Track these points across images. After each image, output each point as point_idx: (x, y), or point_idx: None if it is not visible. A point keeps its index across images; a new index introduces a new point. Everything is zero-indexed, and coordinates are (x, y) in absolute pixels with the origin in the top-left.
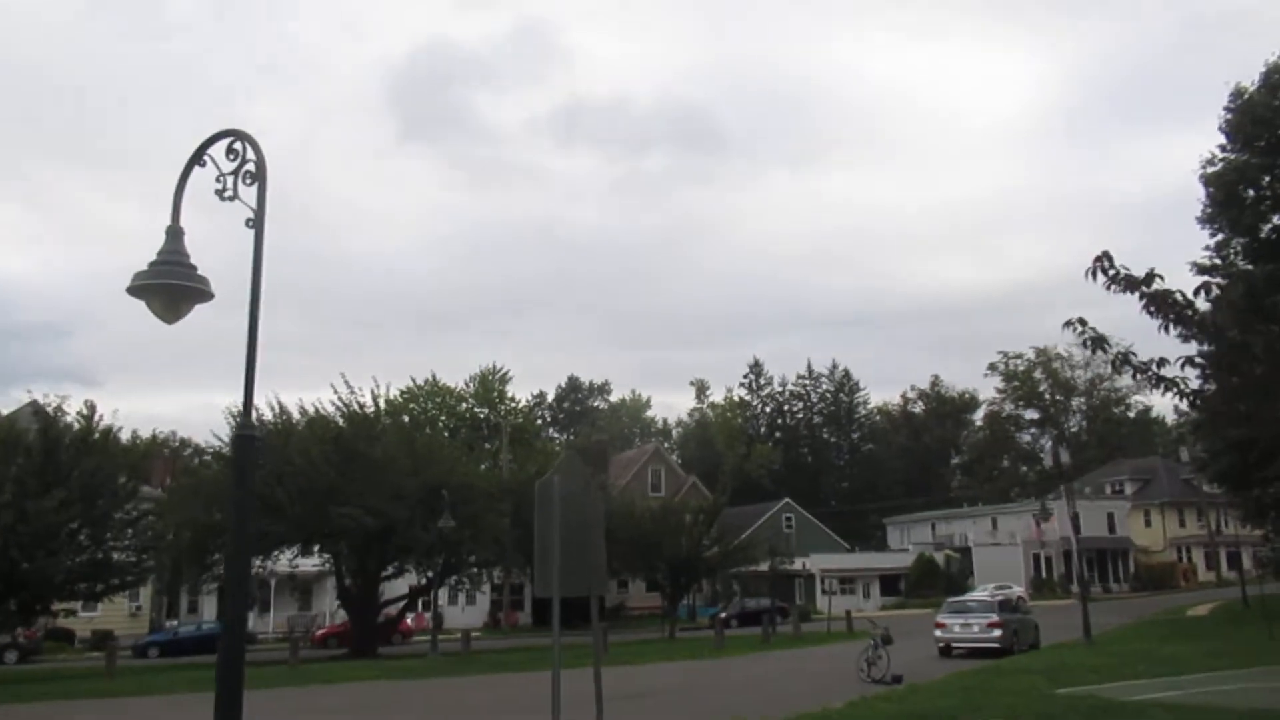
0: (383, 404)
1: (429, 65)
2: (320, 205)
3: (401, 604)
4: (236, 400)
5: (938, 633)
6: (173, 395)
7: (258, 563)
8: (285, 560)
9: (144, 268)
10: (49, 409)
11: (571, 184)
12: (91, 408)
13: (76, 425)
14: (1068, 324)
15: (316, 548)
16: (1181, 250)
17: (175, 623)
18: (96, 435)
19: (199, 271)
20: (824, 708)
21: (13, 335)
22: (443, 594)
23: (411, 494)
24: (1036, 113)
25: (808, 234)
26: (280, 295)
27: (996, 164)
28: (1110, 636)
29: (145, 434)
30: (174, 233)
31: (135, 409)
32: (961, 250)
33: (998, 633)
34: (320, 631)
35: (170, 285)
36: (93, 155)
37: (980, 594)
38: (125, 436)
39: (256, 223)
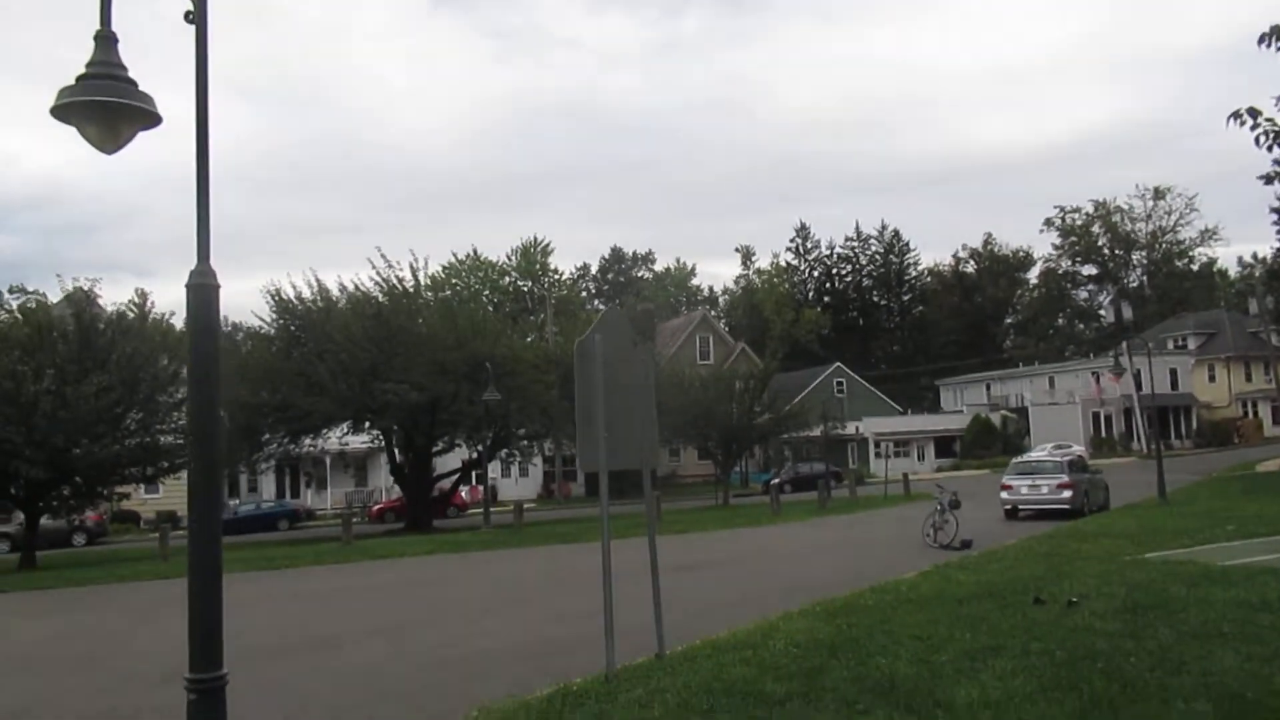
0: (422, 278)
1: None
2: (356, 86)
3: (454, 478)
4: (283, 280)
5: (1004, 494)
6: (229, 282)
7: (307, 441)
8: (335, 438)
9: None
10: (83, 292)
11: (607, 51)
12: (143, 295)
13: (113, 310)
14: (1234, 115)
15: (365, 424)
16: (1242, 97)
17: (236, 502)
18: (132, 317)
19: (139, 89)
20: (895, 578)
21: (64, 229)
22: (495, 467)
23: (455, 368)
24: None
25: (855, 95)
26: (320, 179)
27: (1052, 14)
28: (1184, 495)
29: None
30: (105, 40)
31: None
32: (1015, 107)
33: (1068, 494)
34: (376, 507)
35: (106, 104)
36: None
37: (1046, 453)
38: (178, 323)
39: (197, 16)
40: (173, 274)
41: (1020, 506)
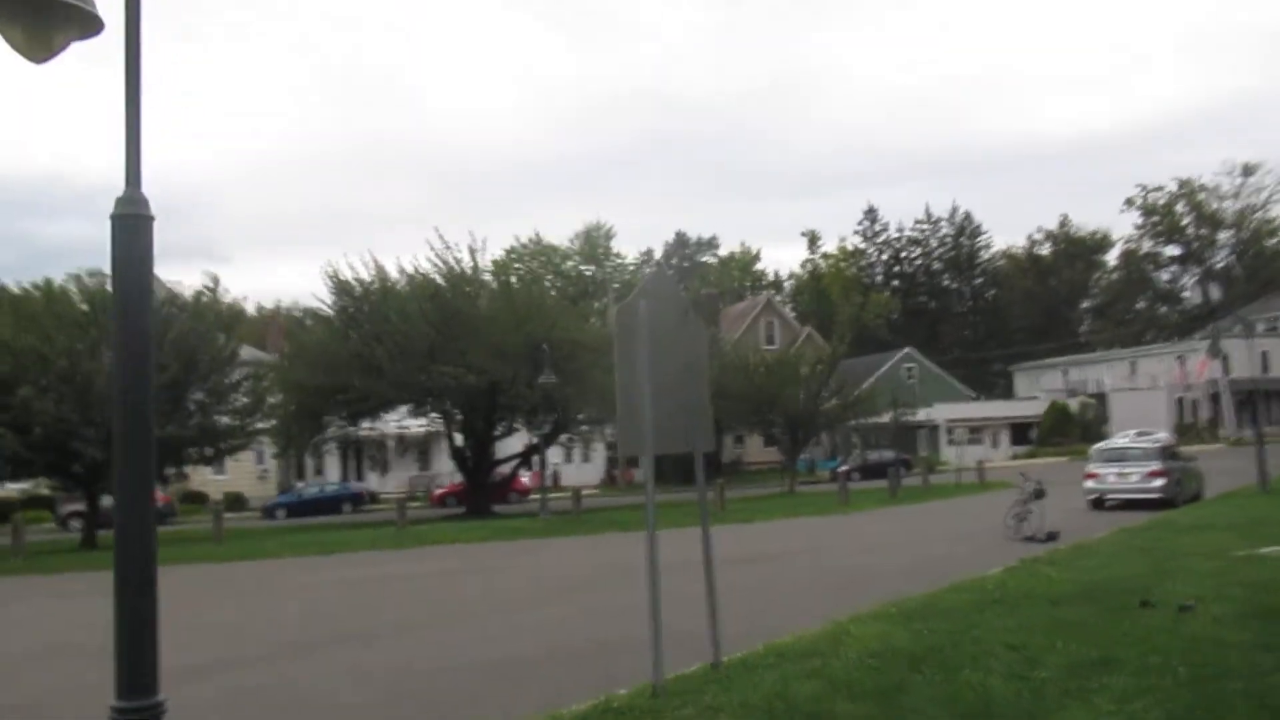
0: (480, 260)
1: None
2: (425, 77)
3: (515, 462)
4: (340, 261)
5: (1089, 483)
6: (298, 265)
7: (366, 424)
8: (394, 422)
9: None
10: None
11: (674, 35)
12: (215, 280)
13: (170, 288)
14: None
15: (424, 408)
16: None
17: (302, 484)
18: (190, 297)
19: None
20: (977, 575)
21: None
22: (557, 452)
23: (514, 351)
24: None
25: (927, 77)
26: (389, 168)
27: None
28: None
29: (269, 305)
30: None
31: (263, 283)
32: (1094, 88)
33: (1160, 482)
34: (439, 491)
35: (31, 0)
36: (197, 31)
37: (1135, 439)
38: (250, 308)
39: None
40: (244, 261)
41: (1107, 496)
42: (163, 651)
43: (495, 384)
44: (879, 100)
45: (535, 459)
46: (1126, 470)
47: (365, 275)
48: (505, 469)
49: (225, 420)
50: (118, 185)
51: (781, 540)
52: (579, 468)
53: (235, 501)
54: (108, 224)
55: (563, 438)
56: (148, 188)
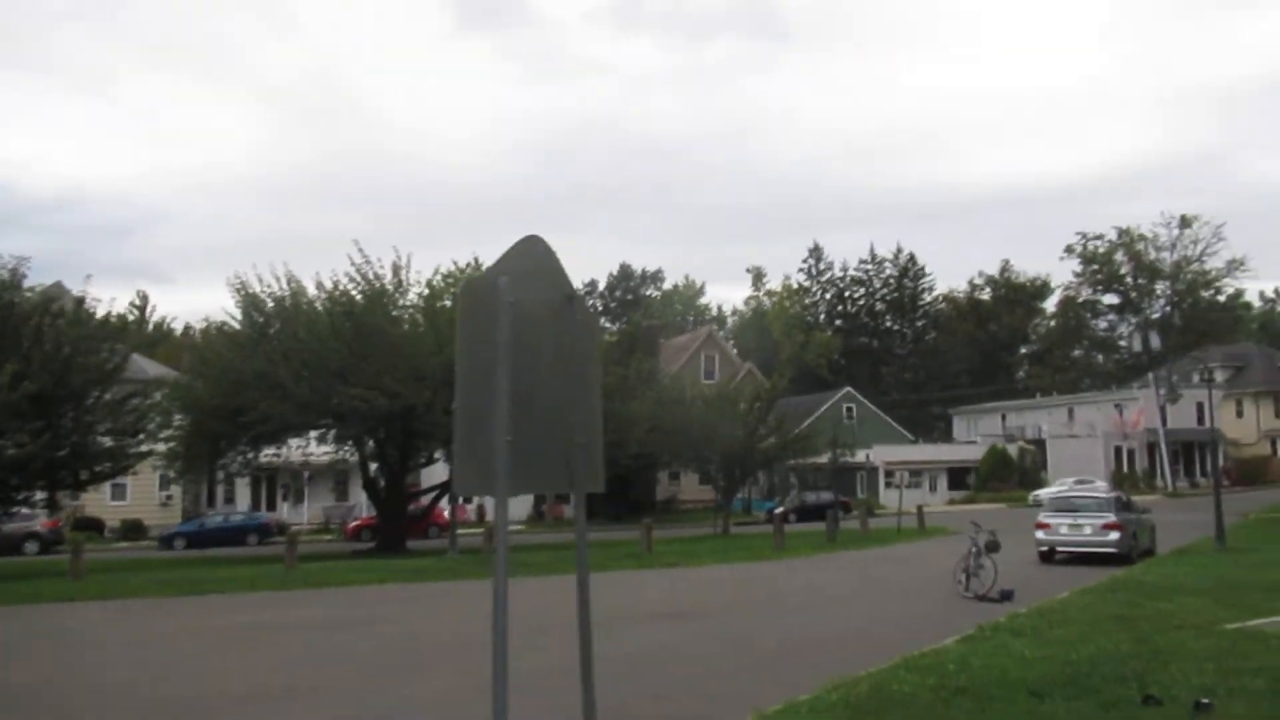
0: (405, 278)
1: None
2: (381, 103)
3: (434, 494)
4: (249, 272)
5: (1040, 534)
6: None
7: (270, 450)
8: (300, 449)
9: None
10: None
11: (631, 76)
12: (144, 298)
13: (36, 294)
14: None
15: (333, 433)
16: (1259, 140)
17: (213, 512)
18: (69, 306)
19: None
20: (932, 647)
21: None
22: None
23: (434, 374)
24: None
25: (873, 124)
26: (342, 195)
27: (1072, 48)
28: (1237, 539)
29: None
30: None
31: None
32: (1034, 138)
33: (1115, 535)
34: (353, 524)
35: None
36: (155, 50)
37: (1075, 487)
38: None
39: None
40: (187, 283)
41: (1059, 548)
42: None
43: (410, 409)
44: (827, 146)
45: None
46: (1079, 521)
47: (277, 288)
48: (423, 501)
49: (106, 441)
50: None
51: (708, 591)
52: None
53: (133, 529)
54: None
55: None
56: (95, 206)
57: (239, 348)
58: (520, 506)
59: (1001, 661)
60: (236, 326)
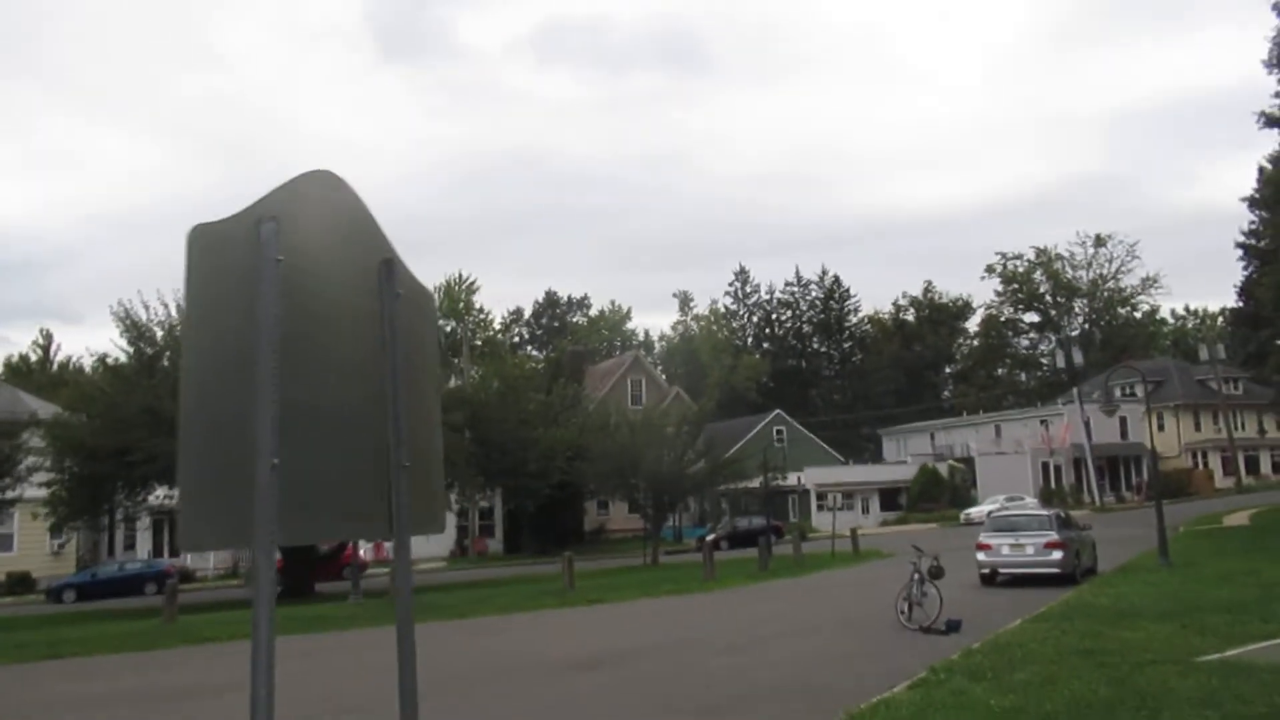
0: None
1: None
2: (300, 134)
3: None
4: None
5: (981, 555)
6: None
7: (162, 492)
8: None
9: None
10: None
11: (554, 108)
12: (48, 337)
13: None
14: None
15: None
16: (1165, 164)
17: (109, 560)
18: None
19: None
20: (880, 697)
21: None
22: None
23: None
24: (1021, 27)
25: (793, 154)
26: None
27: (983, 78)
28: (1177, 553)
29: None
30: None
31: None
32: (950, 166)
33: (1059, 555)
34: None
35: None
36: (69, 84)
37: (1025, 508)
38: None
39: None
40: (95, 323)
41: (1001, 569)
42: None
43: None
44: (751, 174)
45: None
46: (1021, 541)
47: (167, 317)
48: (331, 541)
49: None
50: None
51: (630, 630)
52: (428, 539)
53: (20, 582)
54: None
55: None
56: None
57: (124, 382)
58: (444, 543)
59: (965, 717)
60: (123, 359)
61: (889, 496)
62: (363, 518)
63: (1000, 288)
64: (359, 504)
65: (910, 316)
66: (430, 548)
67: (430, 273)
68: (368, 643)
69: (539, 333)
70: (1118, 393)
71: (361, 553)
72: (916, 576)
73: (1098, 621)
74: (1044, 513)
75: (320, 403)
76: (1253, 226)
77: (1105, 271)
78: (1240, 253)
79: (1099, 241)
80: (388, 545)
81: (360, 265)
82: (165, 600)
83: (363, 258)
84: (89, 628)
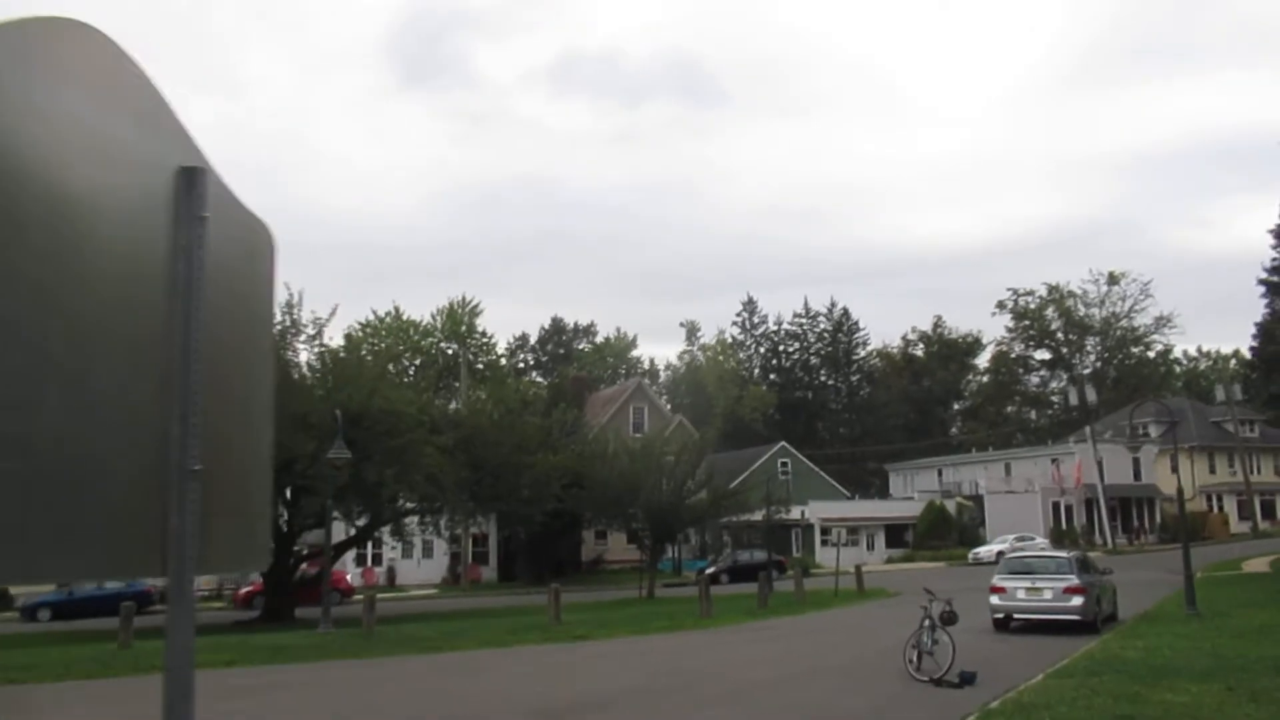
0: (298, 315)
1: (425, 12)
2: (315, 159)
3: (329, 556)
4: None
5: (994, 598)
6: None
7: None
8: None
9: None
10: None
11: (567, 137)
12: None
13: None
14: None
15: None
16: (1177, 206)
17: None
18: None
19: None
20: None
21: None
22: (395, 547)
23: (321, 423)
24: (1039, 66)
25: (806, 188)
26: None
27: (998, 117)
28: (1203, 602)
29: None
30: None
31: None
32: (962, 203)
33: (1078, 601)
34: (245, 590)
35: None
36: None
37: (1041, 549)
38: None
39: None
40: None
41: (1016, 614)
42: None
43: (290, 462)
44: (760, 205)
45: (358, 553)
46: (1038, 585)
47: None
48: (313, 566)
49: None
50: None
51: (610, 672)
52: (420, 564)
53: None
54: None
55: (384, 528)
56: None
57: None
58: (436, 570)
59: None
60: None
61: (895, 533)
62: (122, 544)
63: (1011, 324)
64: (117, 524)
65: (919, 351)
66: (426, 574)
67: (439, 297)
68: (320, 680)
69: (544, 359)
70: (1129, 432)
71: (349, 577)
72: (927, 623)
73: (1131, 680)
74: (1063, 555)
75: (54, 380)
76: (1275, 263)
77: (1119, 309)
78: (1262, 289)
79: (1112, 279)
80: (378, 570)
81: (143, 170)
82: (121, 624)
83: (150, 158)
84: (47, 651)
